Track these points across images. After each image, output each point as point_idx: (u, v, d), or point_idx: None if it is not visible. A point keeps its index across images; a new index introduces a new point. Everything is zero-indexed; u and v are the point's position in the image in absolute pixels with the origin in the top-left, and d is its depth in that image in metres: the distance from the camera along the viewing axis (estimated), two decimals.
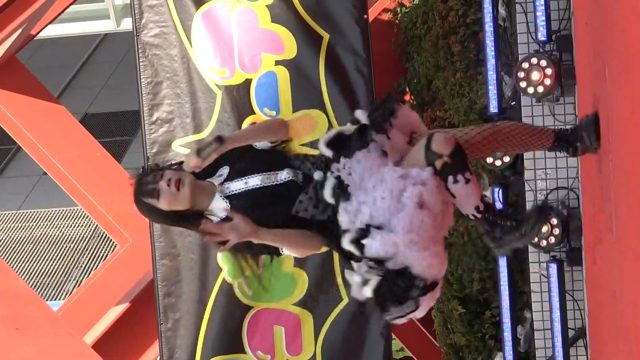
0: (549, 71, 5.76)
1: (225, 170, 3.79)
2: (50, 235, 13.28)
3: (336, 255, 5.87)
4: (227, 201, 3.75)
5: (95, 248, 12.96)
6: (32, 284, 12.21)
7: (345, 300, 6.00)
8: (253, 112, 5.99)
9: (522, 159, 6.07)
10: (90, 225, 12.96)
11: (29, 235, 13.34)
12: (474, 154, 3.92)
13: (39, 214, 13.51)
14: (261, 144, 3.85)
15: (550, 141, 3.98)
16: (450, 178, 3.64)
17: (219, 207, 3.75)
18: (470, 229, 6.91)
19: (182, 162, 3.79)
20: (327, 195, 3.70)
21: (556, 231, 5.78)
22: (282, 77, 5.94)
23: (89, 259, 12.81)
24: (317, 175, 3.76)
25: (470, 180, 3.66)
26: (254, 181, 3.76)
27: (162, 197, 3.68)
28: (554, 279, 5.89)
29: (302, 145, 5.56)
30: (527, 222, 3.77)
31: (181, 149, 6.02)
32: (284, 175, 3.77)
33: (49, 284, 12.55)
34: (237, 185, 3.77)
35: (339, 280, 6.00)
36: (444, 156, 3.61)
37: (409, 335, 8.51)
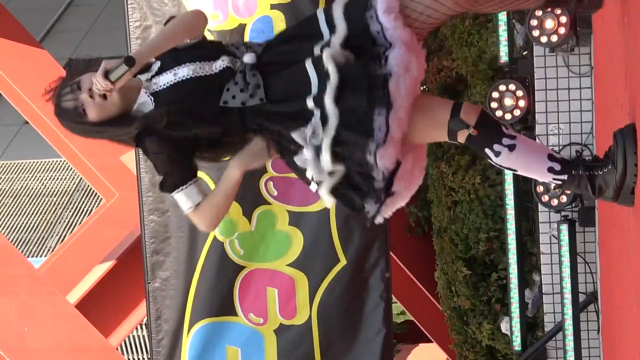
0: (563, 19, 5.74)
1: (156, 65, 3.54)
2: (32, 188, 13.28)
3: (333, 215, 5.87)
4: (152, 98, 3.52)
5: (79, 202, 12.97)
6: (13, 240, 12.24)
7: (343, 262, 5.99)
8: None
9: (534, 113, 6.06)
10: (74, 177, 12.97)
11: (9, 188, 13.35)
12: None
13: (20, 165, 13.51)
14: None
15: None
16: (489, 152, 3.45)
17: (143, 105, 3.53)
18: (477, 185, 6.91)
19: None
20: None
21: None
22: (278, 21, 5.90)
23: (73, 214, 12.83)
24: (249, 57, 3.51)
25: (515, 145, 3.42)
26: (184, 71, 3.49)
27: (88, 110, 3.50)
28: (565, 240, 5.89)
29: None
30: (615, 153, 3.44)
31: None
32: (219, 63, 3.50)
33: (30, 239, 12.57)
34: (166, 79, 3.51)
35: (336, 240, 5.99)
36: (470, 127, 3.41)
37: (411, 297, 8.53)
